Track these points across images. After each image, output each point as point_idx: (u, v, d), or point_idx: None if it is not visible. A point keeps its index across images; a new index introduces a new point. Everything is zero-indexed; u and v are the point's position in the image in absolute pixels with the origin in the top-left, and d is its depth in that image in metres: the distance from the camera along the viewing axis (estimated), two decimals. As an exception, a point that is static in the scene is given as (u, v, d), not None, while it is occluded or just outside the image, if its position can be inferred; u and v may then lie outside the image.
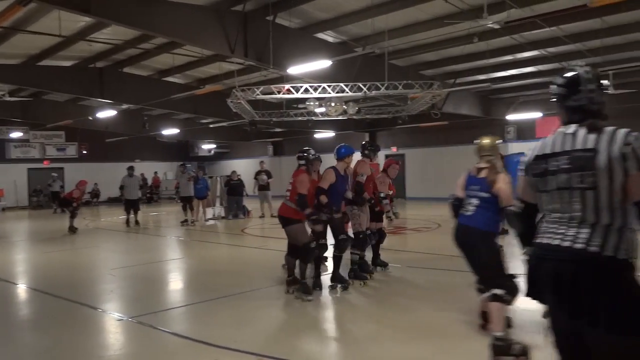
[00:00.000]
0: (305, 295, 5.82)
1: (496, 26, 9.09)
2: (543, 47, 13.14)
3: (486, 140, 4.40)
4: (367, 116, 18.82)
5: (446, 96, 16.69)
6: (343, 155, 6.45)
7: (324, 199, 5.91)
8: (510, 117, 19.56)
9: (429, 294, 6.16)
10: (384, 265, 7.45)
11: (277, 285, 6.63)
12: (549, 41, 12.64)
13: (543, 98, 19.62)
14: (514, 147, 21.16)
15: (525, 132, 20.83)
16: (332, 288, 6.18)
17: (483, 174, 4.21)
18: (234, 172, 17.25)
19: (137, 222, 14.79)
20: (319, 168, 6.62)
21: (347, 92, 13.27)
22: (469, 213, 4.18)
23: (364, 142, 7.17)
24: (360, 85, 13.13)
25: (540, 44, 12.88)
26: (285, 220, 6.03)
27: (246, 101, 14.71)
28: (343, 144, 6.68)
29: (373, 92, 13.13)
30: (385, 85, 12.91)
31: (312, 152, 6.40)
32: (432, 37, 11.79)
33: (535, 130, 20.38)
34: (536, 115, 18.65)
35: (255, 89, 13.84)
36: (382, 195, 7.01)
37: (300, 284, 6.02)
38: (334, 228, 6.18)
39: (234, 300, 6.03)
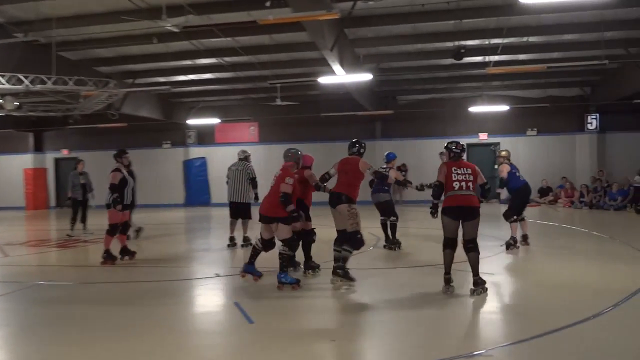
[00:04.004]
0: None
1: (175, 29, 9.30)
2: (220, 56, 14.04)
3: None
4: (31, 113, 16.76)
5: (124, 96, 16.20)
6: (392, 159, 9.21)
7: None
8: (191, 121, 20.25)
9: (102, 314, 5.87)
10: (317, 267, 7.23)
11: None
12: (225, 50, 13.58)
13: (221, 105, 20.99)
14: (195, 152, 22.00)
15: (205, 136, 21.85)
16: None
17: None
18: None
19: None
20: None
21: (4, 84, 11.58)
22: None
23: (355, 140, 7.04)
24: (21, 77, 11.62)
25: (218, 52, 13.74)
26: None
27: None
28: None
29: (37, 86, 11.78)
30: (53, 79, 11.75)
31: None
32: (109, 32, 11.31)
33: (215, 136, 21.62)
34: (215, 120, 19.80)
35: None
36: None
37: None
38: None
39: None
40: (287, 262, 6.47)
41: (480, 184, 6.20)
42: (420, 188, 8.21)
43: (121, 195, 8.43)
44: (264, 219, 6.51)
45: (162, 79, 16.36)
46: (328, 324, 5.16)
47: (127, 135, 21.06)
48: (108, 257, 8.38)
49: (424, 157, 17.92)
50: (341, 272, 6.45)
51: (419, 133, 19.88)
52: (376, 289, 6.41)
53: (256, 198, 9.85)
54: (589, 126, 18.75)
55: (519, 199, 9.11)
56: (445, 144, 6.55)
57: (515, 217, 8.96)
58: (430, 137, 19.63)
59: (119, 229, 8.54)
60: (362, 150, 6.88)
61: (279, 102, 15.99)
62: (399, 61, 14.96)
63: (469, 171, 6.11)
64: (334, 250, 6.67)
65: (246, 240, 9.92)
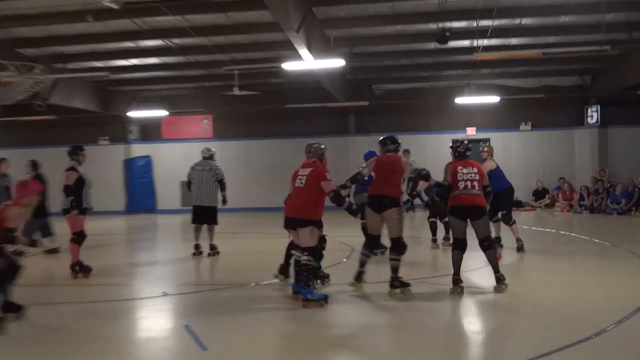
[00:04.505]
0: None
1: (114, 6, 9.15)
2: (168, 37, 13.87)
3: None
4: (-61, 103, 16.32)
5: (54, 84, 15.88)
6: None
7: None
8: (133, 114, 19.95)
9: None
10: (327, 277, 7.51)
11: None
12: (174, 31, 13.41)
13: (169, 94, 20.76)
14: (138, 149, 21.71)
15: (150, 131, 21.60)
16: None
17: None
18: None
19: None
20: None
21: None
22: None
23: (390, 136, 7.50)
24: None
25: (165, 33, 13.56)
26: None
27: None
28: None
29: (-53, 71, 11.49)
30: (-33, 63, 11.47)
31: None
32: (35, 7, 11.07)
33: (161, 130, 21.37)
34: (162, 113, 19.55)
35: None
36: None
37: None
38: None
39: None
40: (313, 274, 6.52)
41: (483, 186, 7.01)
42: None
43: (78, 197, 8.40)
44: (294, 223, 6.63)
45: (98, 64, 16.06)
46: (292, 349, 5.16)
47: (57, 130, 20.67)
48: (81, 269, 8.44)
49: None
50: (397, 283, 6.84)
51: (399, 127, 19.99)
52: (359, 307, 6.45)
53: (224, 201, 10.28)
54: (589, 120, 19.22)
55: (507, 199, 9.81)
56: (452, 144, 7.33)
57: (514, 219, 9.79)
58: (411, 132, 19.81)
59: (85, 236, 8.54)
60: (398, 148, 7.39)
61: (236, 91, 15.89)
62: (376, 45, 15.04)
63: (475, 170, 6.93)
64: (362, 254, 7.06)
65: (213, 248, 10.22)
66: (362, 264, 7.04)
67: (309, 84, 17.60)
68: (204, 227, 10.19)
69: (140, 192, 21.41)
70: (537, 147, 19.76)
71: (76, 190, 8.40)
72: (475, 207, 6.80)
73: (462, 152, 7.15)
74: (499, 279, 6.85)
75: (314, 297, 6.39)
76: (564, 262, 9.13)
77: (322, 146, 7.09)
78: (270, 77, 17.77)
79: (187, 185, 10.43)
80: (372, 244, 7.10)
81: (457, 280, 6.84)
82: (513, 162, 19.13)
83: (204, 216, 10.16)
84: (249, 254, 10.82)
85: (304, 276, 6.43)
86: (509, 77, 19.01)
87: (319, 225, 6.63)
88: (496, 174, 9.52)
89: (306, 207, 6.55)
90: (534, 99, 18.69)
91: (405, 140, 19.26)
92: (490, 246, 6.89)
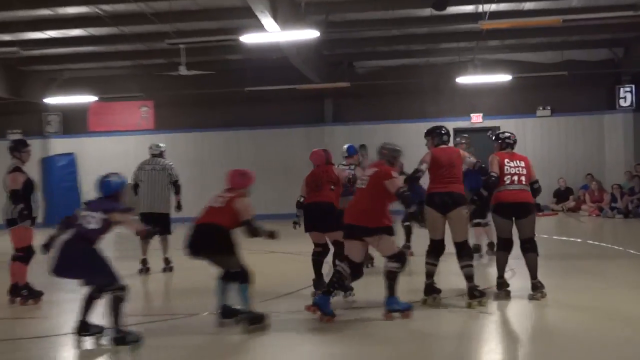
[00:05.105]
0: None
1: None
2: (95, 3, 13.74)
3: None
4: None
5: (-52, 63, 15.72)
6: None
7: None
8: (52, 100, 19.72)
9: None
10: (350, 289, 7.74)
11: None
12: (103, -6, 13.34)
13: (97, 75, 20.57)
14: (58, 145, 21.46)
15: (73, 122, 21.40)
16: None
17: None
18: None
19: None
20: None
21: None
22: None
23: (440, 126, 8.02)
24: None
25: (92, -3, 13.48)
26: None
27: None
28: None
29: None
30: None
31: None
32: None
33: (88, 121, 21.13)
34: (88, 98, 19.33)
35: None
36: None
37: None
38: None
39: None
40: (396, 282, 6.83)
41: (530, 182, 7.67)
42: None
43: (27, 204, 8.40)
44: (358, 232, 6.82)
45: (6, 37, 15.91)
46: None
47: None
48: (30, 294, 8.38)
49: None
50: (477, 292, 7.32)
51: (386, 114, 20.13)
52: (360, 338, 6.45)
53: (179, 207, 10.68)
54: (621, 102, 19.46)
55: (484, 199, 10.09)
56: (496, 134, 8.20)
57: (479, 220, 10.31)
58: (402, 119, 19.90)
59: (34, 252, 8.39)
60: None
61: (183, 71, 15.82)
62: (357, 11, 15.07)
63: (522, 164, 7.64)
64: (428, 264, 7.47)
65: (167, 262, 10.60)
66: (430, 275, 7.47)
67: (274, 61, 17.56)
68: (155, 238, 10.26)
69: (62, 199, 21.08)
70: (559, 136, 19.96)
71: (24, 196, 8.39)
72: (522, 205, 7.48)
73: (510, 143, 7.90)
74: (536, 286, 7.44)
75: (400, 307, 6.82)
76: (592, 278, 9.20)
77: (398, 148, 7.30)
78: (226, 53, 17.74)
79: (134, 188, 10.52)
80: (437, 250, 7.45)
81: (502, 284, 7.66)
82: (528, 155, 18.96)
83: (156, 225, 10.17)
84: (202, 274, 10.74)
85: (388, 284, 6.79)
86: (523, 51, 19.21)
87: (391, 232, 6.89)
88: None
89: (373, 212, 6.78)
90: (553, 77, 18.80)
91: (395, 129, 19.58)
92: (532, 248, 7.49)
